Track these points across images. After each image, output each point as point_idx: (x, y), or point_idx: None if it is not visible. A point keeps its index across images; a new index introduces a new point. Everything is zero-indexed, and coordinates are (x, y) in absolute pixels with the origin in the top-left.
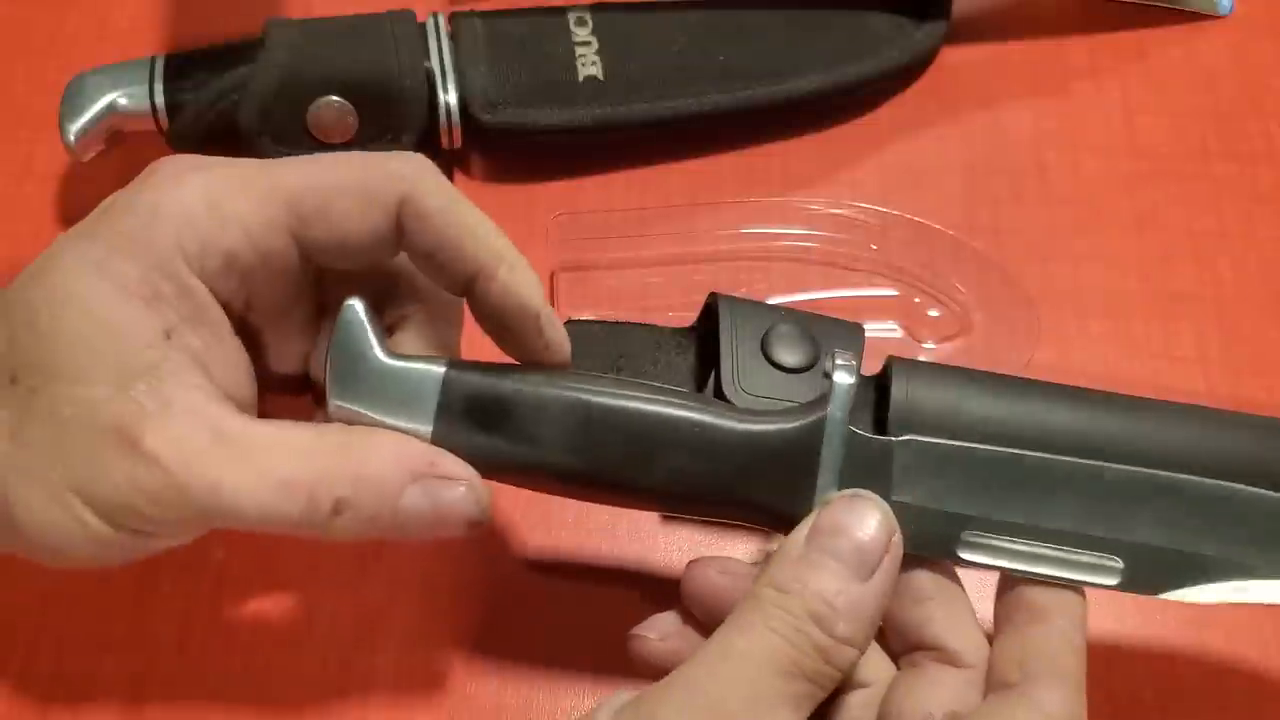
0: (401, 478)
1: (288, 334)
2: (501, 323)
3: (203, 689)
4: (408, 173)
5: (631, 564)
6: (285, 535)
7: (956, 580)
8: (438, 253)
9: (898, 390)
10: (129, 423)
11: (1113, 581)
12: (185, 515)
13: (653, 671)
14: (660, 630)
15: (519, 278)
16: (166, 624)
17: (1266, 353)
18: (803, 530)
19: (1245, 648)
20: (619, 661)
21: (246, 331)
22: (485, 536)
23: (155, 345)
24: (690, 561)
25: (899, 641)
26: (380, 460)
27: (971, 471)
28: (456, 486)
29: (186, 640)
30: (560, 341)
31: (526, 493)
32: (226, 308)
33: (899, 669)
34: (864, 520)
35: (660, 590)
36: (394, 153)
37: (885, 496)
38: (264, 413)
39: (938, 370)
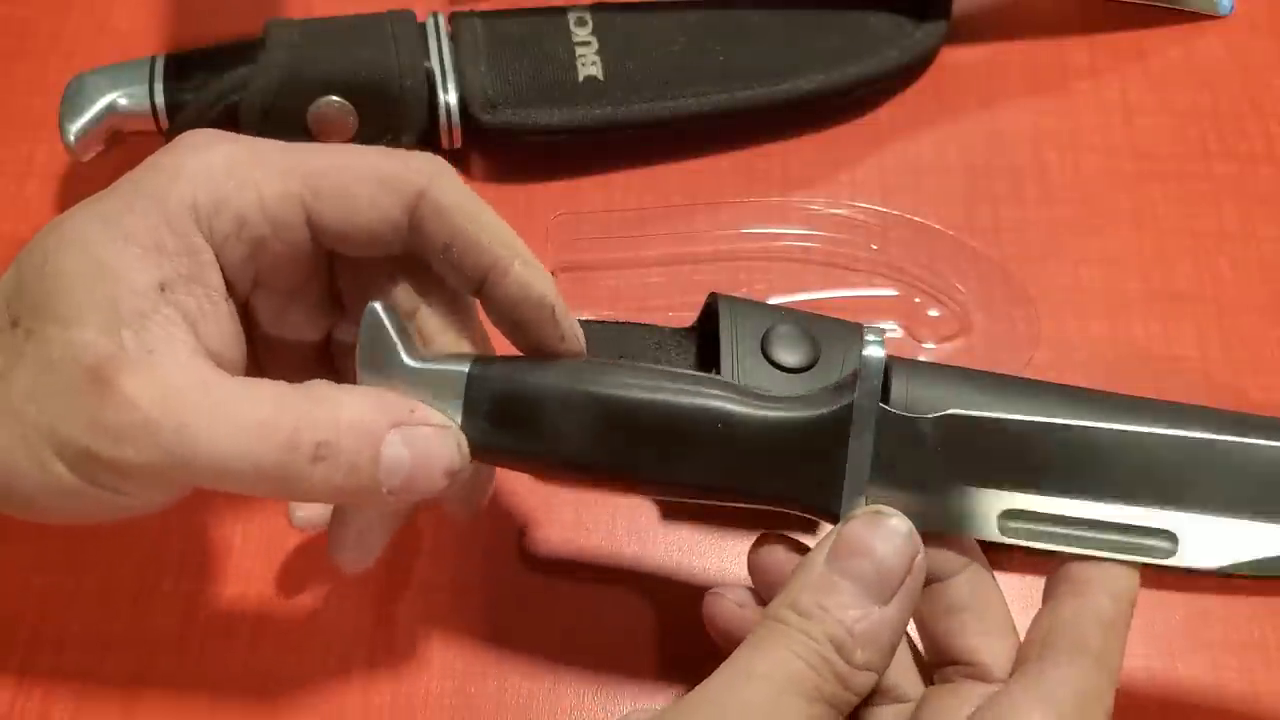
0: (383, 422)
1: (296, 319)
2: (516, 317)
3: (203, 688)
4: (428, 169)
5: (630, 563)
6: (258, 495)
7: (995, 589)
8: (454, 246)
9: (898, 390)
10: (107, 364)
11: (1168, 558)
12: (153, 459)
13: (718, 633)
14: (739, 597)
15: (533, 272)
16: (166, 623)
17: (1266, 353)
18: (823, 550)
19: (1245, 647)
20: (619, 661)
21: (252, 312)
22: (484, 536)
23: (148, 295)
24: (709, 593)
25: (932, 653)
26: (361, 406)
27: (1013, 444)
28: (440, 432)
29: (186, 639)
30: (575, 333)
31: (526, 493)
32: (235, 284)
33: (933, 683)
34: (886, 541)
35: (659, 589)
36: (416, 152)
37: (923, 475)
38: None
39: (938, 370)
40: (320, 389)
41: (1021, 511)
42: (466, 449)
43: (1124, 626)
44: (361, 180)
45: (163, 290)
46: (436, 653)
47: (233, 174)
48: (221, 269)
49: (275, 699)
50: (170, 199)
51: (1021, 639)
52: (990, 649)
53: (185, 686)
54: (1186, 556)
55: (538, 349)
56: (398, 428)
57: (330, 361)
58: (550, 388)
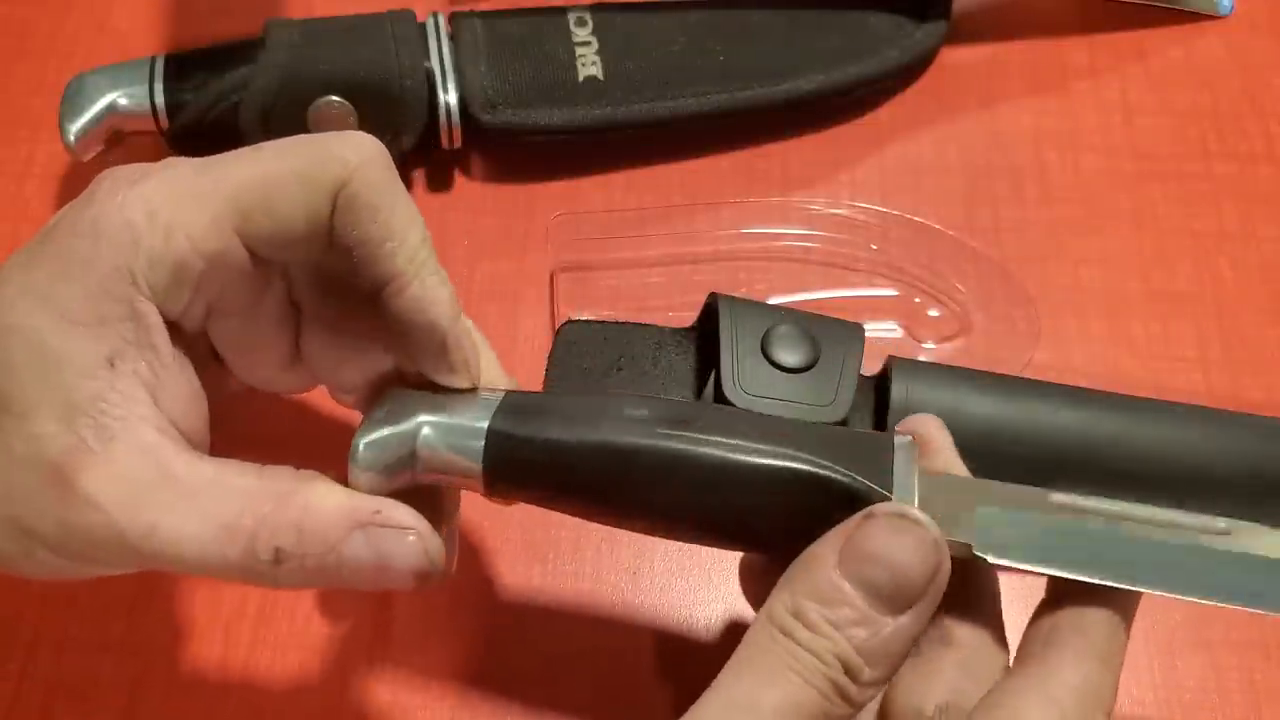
0: (344, 526)
1: (261, 333)
2: (406, 338)
3: (202, 691)
4: (351, 158)
5: (630, 562)
6: (229, 581)
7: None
8: (357, 250)
9: (898, 390)
10: (67, 461)
11: (1222, 537)
12: (122, 559)
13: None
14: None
15: (433, 293)
16: (165, 626)
17: (1266, 353)
18: (834, 547)
19: (1245, 648)
20: (619, 662)
21: (222, 340)
22: (485, 538)
23: (98, 374)
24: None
25: None
26: (323, 509)
27: (1047, 538)
28: (404, 536)
29: (186, 641)
30: (465, 366)
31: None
32: (187, 321)
33: None
34: (908, 551)
35: (660, 590)
36: (345, 133)
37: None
38: (249, 415)
39: (938, 370)
40: (285, 482)
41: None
42: (438, 553)
43: (1127, 632)
44: (282, 184)
45: (112, 365)
46: (436, 653)
47: (153, 221)
48: (168, 318)
49: (274, 703)
50: (99, 264)
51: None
52: (951, 611)
53: (185, 688)
54: (1241, 541)
55: (424, 375)
56: (361, 529)
57: (300, 360)
58: (564, 446)
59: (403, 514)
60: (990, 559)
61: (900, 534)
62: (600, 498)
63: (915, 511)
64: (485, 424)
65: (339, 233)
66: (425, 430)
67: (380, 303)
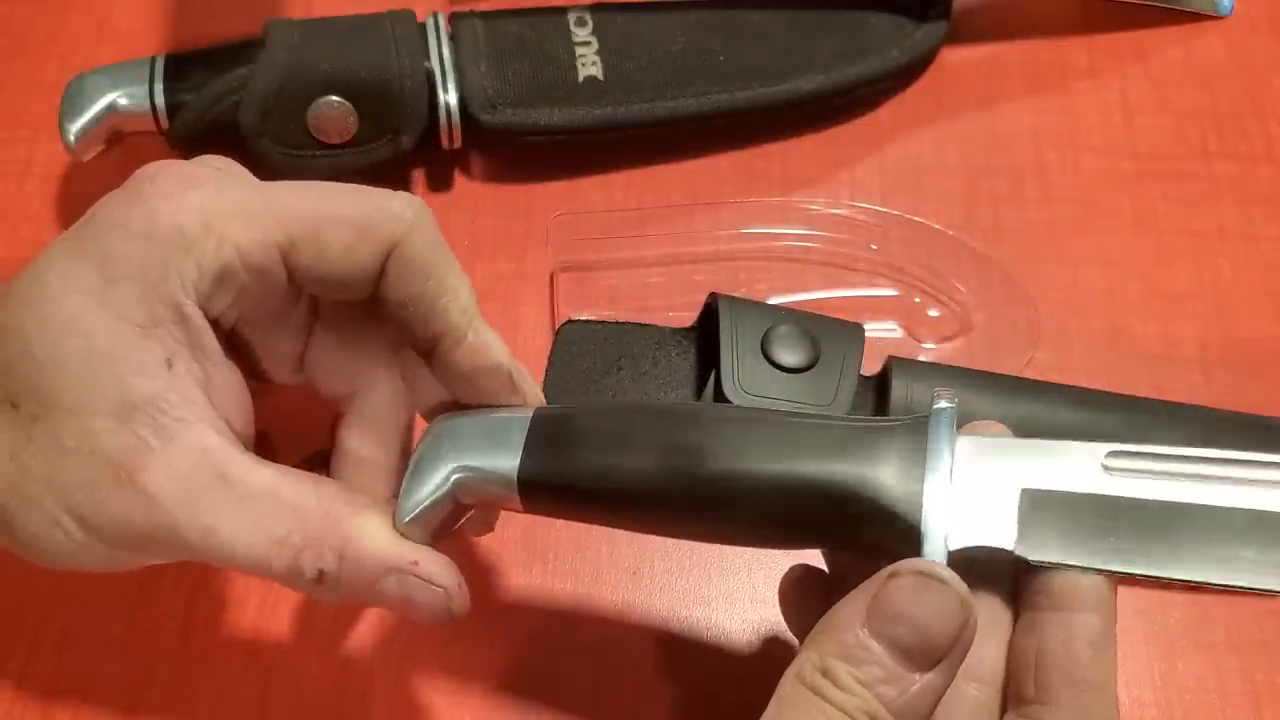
0: (383, 568)
1: (282, 338)
2: (473, 384)
3: (204, 690)
4: (408, 216)
5: (630, 561)
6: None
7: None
8: (412, 306)
9: (898, 390)
10: (128, 457)
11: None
12: (177, 553)
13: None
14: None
15: (486, 337)
16: (168, 624)
17: (1266, 353)
18: (860, 605)
19: (1246, 647)
20: (619, 660)
21: (241, 341)
22: (485, 538)
23: (157, 375)
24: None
25: (1025, 686)
26: (367, 544)
27: (1098, 521)
28: (433, 589)
29: (187, 640)
30: (535, 392)
31: None
32: (217, 323)
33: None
34: (932, 609)
35: (660, 590)
36: (397, 193)
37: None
38: (266, 406)
39: (938, 370)
40: (337, 505)
41: (1125, 451)
42: (460, 606)
43: (1113, 639)
44: (338, 226)
45: (170, 366)
46: (436, 654)
47: (208, 231)
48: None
49: (275, 702)
50: (152, 268)
51: None
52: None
53: (186, 688)
54: None
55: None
56: (397, 575)
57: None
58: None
59: (438, 570)
60: (1032, 560)
61: (926, 592)
62: (627, 524)
63: (941, 570)
64: (515, 463)
65: (391, 287)
66: (458, 476)
67: (435, 358)
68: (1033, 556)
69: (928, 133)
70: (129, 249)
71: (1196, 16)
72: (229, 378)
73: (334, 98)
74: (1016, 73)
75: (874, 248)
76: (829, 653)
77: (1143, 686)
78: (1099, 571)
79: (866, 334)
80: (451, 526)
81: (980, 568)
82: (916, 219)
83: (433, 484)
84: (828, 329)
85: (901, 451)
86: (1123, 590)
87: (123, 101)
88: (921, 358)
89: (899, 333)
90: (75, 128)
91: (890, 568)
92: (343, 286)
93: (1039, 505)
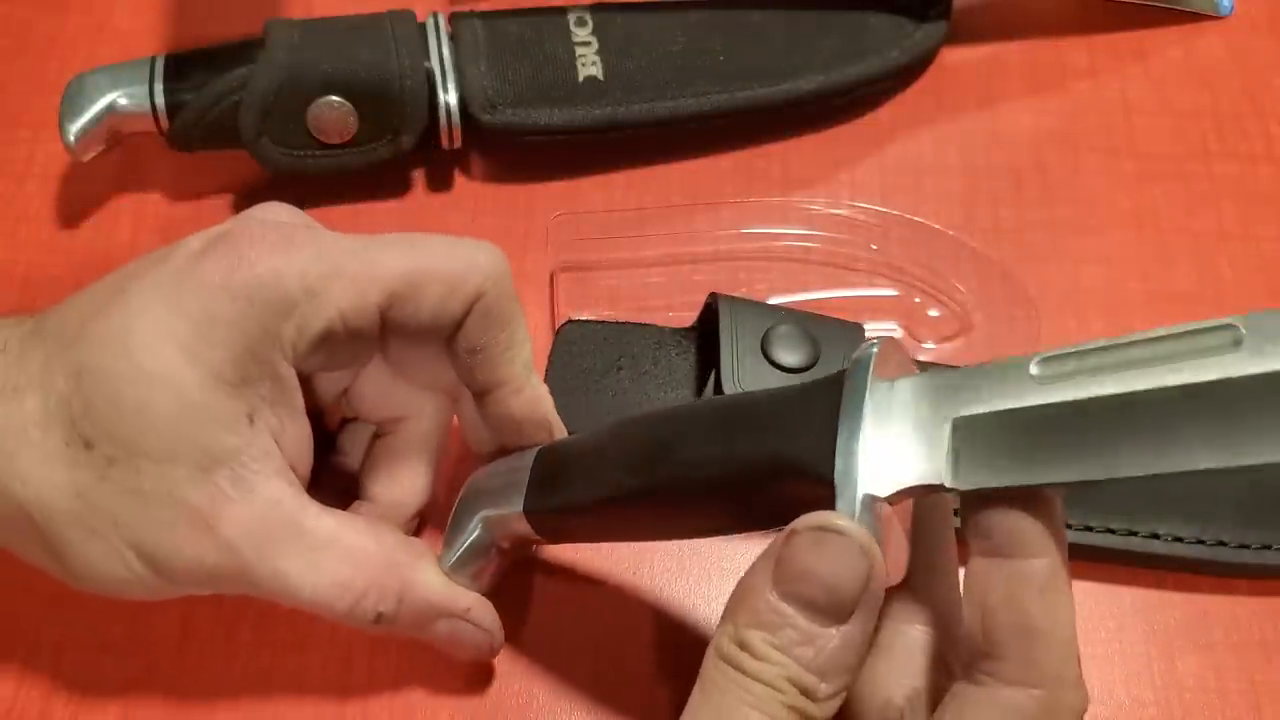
0: (437, 613)
1: (343, 375)
2: (519, 432)
3: (203, 691)
4: (491, 269)
5: (630, 561)
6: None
7: (1069, 602)
8: (481, 352)
9: None
10: (208, 506)
11: (1232, 350)
12: (240, 587)
13: None
14: None
15: (541, 392)
16: (167, 626)
17: None
18: (766, 569)
19: (1245, 647)
20: (619, 661)
21: (303, 379)
22: None
23: (239, 430)
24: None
25: (977, 639)
26: (424, 591)
27: (1038, 437)
28: (479, 632)
29: (187, 642)
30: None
31: None
32: (300, 373)
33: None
34: (833, 562)
35: (660, 589)
36: (480, 243)
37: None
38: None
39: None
40: (397, 552)
41: (1053, 356)
42: (499, 646)
43: (1065, 581)
44: (430, 280)
45: (252, 422)
46: (436, 654)
47: (313, 295)
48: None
49: (275, 703)
50: (251, 330)
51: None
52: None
53: (185, 688)
54: (1249, 347)
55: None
56: (448, 619)
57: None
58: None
59: (486, 617)
60: (964, 489)
61: (825, 545)
62: (618, 533)
63: (836, 519)
64: (523, 495)
65: (468, 335)
66: (485, 515)
67: (489, 401)
68: (964, 486)
69: (928, 133)
70: (231, 312)
71: (1196, 16)
72: (302, 429)
73: (334, 98)
74: (1016, 73)
75: (874, 248)
76: (743, 622)
77: (1143, 686)
78: (1037, 487)
79: (866, 334)
80: (496, 572)
81: (925, 509)
82: (916, 219)
83: (467, 529)
84: (828, 329)
85: (818, 409)
86: (1122, 590)
87: (123, 101)
88: (921, 358)
89: (899, 333)
90: (75, 128)
91: (789, 526)
92: (430, 335)
93: (971, 433)
